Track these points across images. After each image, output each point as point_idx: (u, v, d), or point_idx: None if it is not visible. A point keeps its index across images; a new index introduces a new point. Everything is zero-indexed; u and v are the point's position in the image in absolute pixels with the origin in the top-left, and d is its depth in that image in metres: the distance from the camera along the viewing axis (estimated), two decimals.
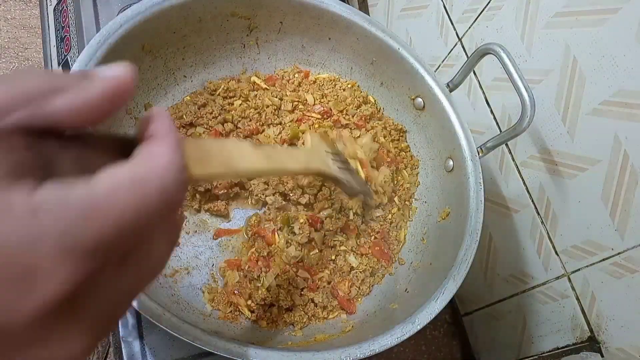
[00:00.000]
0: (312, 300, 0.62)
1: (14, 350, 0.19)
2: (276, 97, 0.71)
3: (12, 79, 0.20)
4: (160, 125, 0.24)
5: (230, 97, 0.70)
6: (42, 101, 0.20)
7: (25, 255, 0.17)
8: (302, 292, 0.62)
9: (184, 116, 0.67)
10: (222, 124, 0.67)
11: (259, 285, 0.61)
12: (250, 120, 0.69)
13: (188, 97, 0.69)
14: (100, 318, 0.22)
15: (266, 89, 0.72)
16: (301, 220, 0.64)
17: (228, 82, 0.71)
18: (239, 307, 0.59)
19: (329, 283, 0.64)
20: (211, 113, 0.67)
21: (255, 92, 0.72)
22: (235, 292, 0.60)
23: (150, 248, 0.23)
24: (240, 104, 0.70)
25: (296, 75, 0.75)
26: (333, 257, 0.65)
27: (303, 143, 0.69)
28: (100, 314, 0.21)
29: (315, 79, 0.76)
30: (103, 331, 0.22)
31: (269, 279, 0.61)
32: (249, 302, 0.60)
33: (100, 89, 0.21)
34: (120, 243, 0.20)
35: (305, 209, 0.66)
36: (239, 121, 0.68)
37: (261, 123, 0.69)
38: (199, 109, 0.68)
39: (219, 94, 0.70)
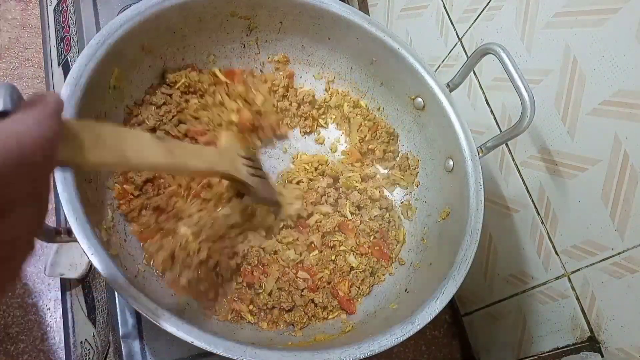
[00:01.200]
0: (313, 301, 0.62)
1: None
2: (226, 95, 0.69)
3: None
4: (43, 99, 0.27)
5: (190, 93, 0.68)
6: None
7: None
8: (302, 293, 0.62)
9: (146, 120, 0.64)
10: (177, 126, 0.65)
11: (260, 291, 0.61)
12: (199, 121, 0.66)
13: (147, 96, 0.66)
14: None
15: (226, 83, 0.70)
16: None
17: (189, 73, 0.68)
18: (242, 313, 0.60)
19: (329, 283, 0.64)
20: (170, 112, 0.65)
21: (214, 87, 0.69)
22: (236, 299, 0.60)
23: (13, 211, 0.25)
24: (195, 102, 0.67)
25: (281, 80, 0.74)
26: (333, 258, 0.65)
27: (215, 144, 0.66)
28: None
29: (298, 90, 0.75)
30: None
31: (270, 284, 0.61)
32: (251, 307, 0.60)
33: None
34: None
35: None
36: (190, 121, 0.66)
37: (207, 124, 0.66)
38: (157, 109, 0.65)
39: (177, 88, 0.67)
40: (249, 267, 0.62)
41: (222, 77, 0.70)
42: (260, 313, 0.60)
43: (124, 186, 0.59)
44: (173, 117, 0.65)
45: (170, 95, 0.66)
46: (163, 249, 0.57)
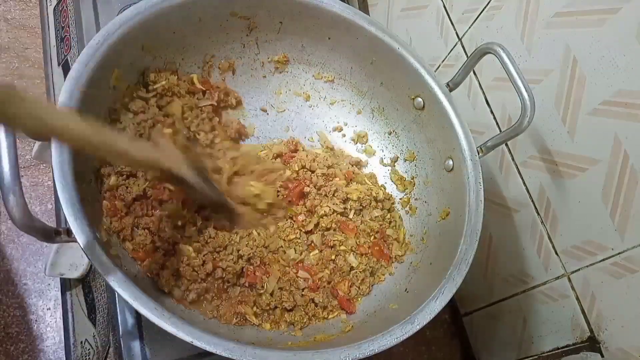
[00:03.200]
0: (313, 300, 0.62)
1: None
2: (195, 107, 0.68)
3: None
4: None
5: (168, 96, 0.67)
6: None
7: None
8: (303, 293, 0.62)
9: (127, 129, 0.62)
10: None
11: (262, 291, 0.61)
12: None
13: (126, 99, 0.63)
14: None
15: (202, 90, 0.70)
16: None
17: (170, 76, 0.67)
18: (247, 316, 0.59)
19: (329, 283, 0.64)
20: (146, 121, 0.63)
21: (193, 96, 0.69)
22: (240, 301, 0.60)
23: None
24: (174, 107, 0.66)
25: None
26: (333, 257, 0.65)
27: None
28: None
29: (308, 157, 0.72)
30: None
31: (271, 284, 0.61)
32: (255, 308, 0.60)
33: None
34: None
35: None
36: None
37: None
38: (134, 116, 0.63)
39: (156, 90, 0.65)
40: (252, 267, 0.62)
41: (198, 85, 0.69)
42: (263, 314, 0.60)
43: (115, 202, 0.58)
44: (148, 129, 0.63)
45: (147, 101, 0.65)
46: (166, 269, 0.57)
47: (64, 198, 0.46)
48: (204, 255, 0.59)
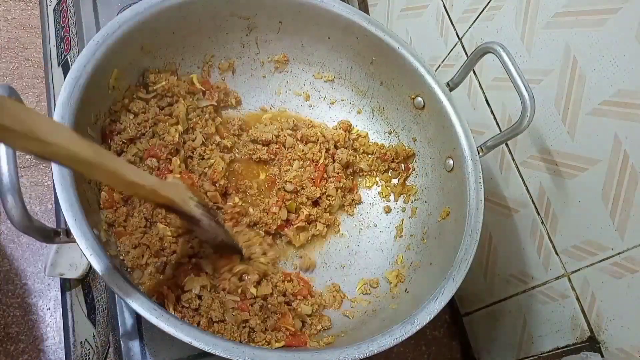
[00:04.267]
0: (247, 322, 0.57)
1: None
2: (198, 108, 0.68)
3: None
4: None
5: (168, 97, 0.66)
6: None
7: None
8: (233, 312, 0.58)
9: (128, 129, 0.62)
10: (148, 141, 0.63)
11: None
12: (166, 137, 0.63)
13: (126, 100, 0.63)
14: None
15: (202, 91, 0.70)
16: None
17: (169, 77, 0.67)
18: (165, 301, 0.55)
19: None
20: (147, 122, 0.63)
21: (193, 96, 0.69)
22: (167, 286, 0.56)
23: None
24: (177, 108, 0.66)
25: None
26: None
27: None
28: None
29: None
30: None
31: (193, 284, 0.57)
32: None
33: None
34: None
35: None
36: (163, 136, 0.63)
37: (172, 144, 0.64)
38: (135, 117, 0.63)
39: (156, 91, 0.65)
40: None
41: (198, 85, 0.69)
42: (183, 310, 0.56)
43: (112, 194, 0.57)
44: (150, 127, 0.63)
45: (147, 102, 0.65)
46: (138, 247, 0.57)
47: (64, 198, 0.46)
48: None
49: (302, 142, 0.73)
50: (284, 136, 0.72)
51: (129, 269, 0.56)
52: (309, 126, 0.75)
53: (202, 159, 0.67)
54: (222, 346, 0.45)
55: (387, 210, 0.74)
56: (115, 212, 0.58)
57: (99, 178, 0.53)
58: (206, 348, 0.44)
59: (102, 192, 0.57)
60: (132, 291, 0.45)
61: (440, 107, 0.66)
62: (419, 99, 0.69)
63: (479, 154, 0.63)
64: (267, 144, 0.72)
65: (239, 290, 0.59)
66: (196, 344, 0.44)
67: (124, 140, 0.61)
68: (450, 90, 0.66)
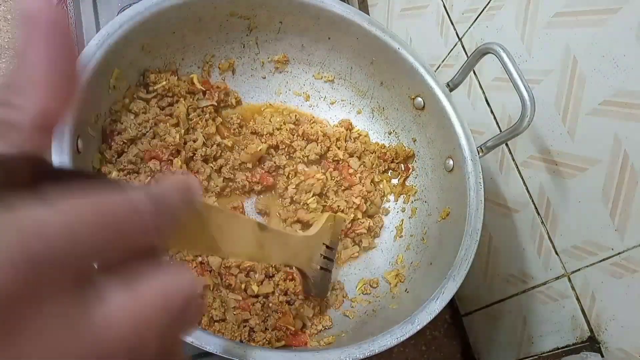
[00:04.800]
0: (247, 322, 0.58)
1: None
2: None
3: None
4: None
5: (169, 97, 0.67)
6: None
7: None
8: (234, 311, 0.58)
9: (129, 129, 0.62)
10: (149, 141, 0.63)
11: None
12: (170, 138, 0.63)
13: (127, 100, 0.63)
14: None
15: (202, 91, 0.70)
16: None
17: (170, 77, 0.67)
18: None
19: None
20: (147, 122, 0.63)
21: (193, 96, 0.69)
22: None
23: None
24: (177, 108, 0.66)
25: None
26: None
27: (311, 223, 0.65)
28: None
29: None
30: None
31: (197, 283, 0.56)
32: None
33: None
34: None
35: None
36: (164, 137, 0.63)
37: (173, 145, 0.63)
38: (135, 117, 0.63)
39: (156, 91, 0.66)
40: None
41: (198, 85, 0.69)
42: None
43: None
44: (150, 128, 0.64)
45: (148, 102, 0.65)
46: None
47: None
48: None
49: (303, 139, 0.73)
50: (286, 131, 0.72)
51: None
52: (311, 122, 0.75)
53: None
54: (223, 346, 0.45)
55: (387, 211, 0.74)
56: None
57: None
58: (207, 348, 0.44)
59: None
60: None
61: (440, 108, 0.66)
62: (419, 99, 0.69)
63: (479, 154, 0.63)
64: (274, 147, 0.71)
65: (243, 287, 0.59)
66: (197, 343, 0.44)
67: (125, 141, 0.61)
68: (450, 90, 0.66)
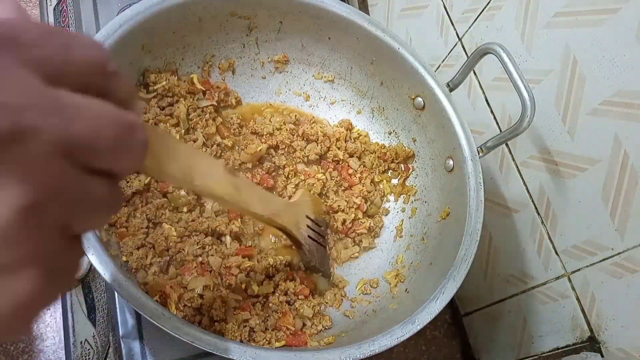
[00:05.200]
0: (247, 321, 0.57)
1: None
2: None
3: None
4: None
5: (169, 97, 0.67)
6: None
7: None
8: (235, 311, 0.58)
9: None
10: None
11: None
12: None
13: None
14: (54, 254, 0.19)
15: (202, 91, 0.70)
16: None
17: (170, 77, 0.67)
18: (168, 300, 0.55)
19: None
20: (147, 122, 0.63)
21: (193, 96, 0.69)
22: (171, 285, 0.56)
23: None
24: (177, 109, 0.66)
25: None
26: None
27: (290, 197, 0.67)
28: (54, 247, 0.19)
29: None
30: (55, 278, 0.20)
31: (196, 283, 0.56)
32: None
33: None
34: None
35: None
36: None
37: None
38: None
39: (157, 91, 0.65)
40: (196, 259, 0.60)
41: (198, 85, 0.69)
42: (187, 310, 0.56)
43: None
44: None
45: (148, 102, 0.65)
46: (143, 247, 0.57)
47: None
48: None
49: (303, 139, 0.73)
50: (286, 131, 0.72)
51: (133, 270, 0.56)
52: (311, 122, 0.75)
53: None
54: (223, 346, 0.45)
55: (387, 211, 0.74)
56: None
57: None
58: (207, 348, 0.44)
59: None
60: (133, 291, 0.45)
61: (440, 108, 0.66)
62: (419, 99, 0.69)
63: (479, 154, 0.63)
64: (274, 147, 0.72)
65: (243, 287, 0.59)
66: (198, 343, 0.44)
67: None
68: (450, 90, 0.66)
